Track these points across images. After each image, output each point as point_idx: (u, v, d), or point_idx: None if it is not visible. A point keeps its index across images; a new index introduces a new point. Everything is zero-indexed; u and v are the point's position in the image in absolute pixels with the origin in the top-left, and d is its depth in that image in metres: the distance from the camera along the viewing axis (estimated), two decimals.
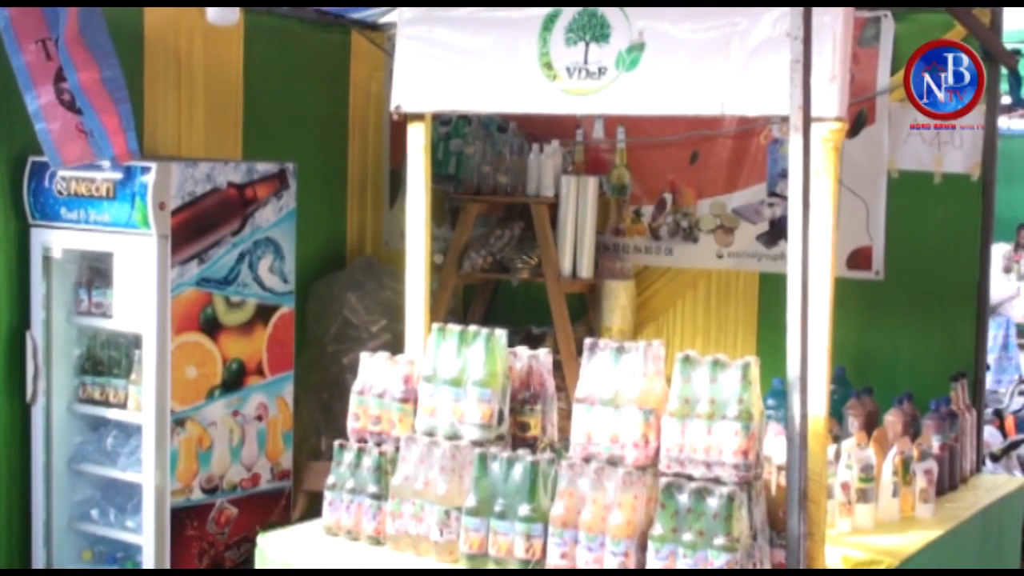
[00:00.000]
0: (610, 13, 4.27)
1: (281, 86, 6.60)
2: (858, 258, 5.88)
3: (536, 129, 6.67)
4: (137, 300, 5.49)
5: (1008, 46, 5.83)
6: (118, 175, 5.43)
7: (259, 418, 5.88)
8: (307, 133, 6.74)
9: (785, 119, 3.77)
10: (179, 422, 5.52)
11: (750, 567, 3.73)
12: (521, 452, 4.07)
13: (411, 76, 4.67)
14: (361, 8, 6.66)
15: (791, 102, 3.73)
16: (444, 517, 4.10)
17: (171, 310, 5.44)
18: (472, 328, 4.33)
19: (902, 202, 5.83)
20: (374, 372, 4.50)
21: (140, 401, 5.55)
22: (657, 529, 3.76)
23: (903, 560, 4.28)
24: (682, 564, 3.70)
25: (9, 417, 5.67)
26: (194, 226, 5.50)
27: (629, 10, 4.23)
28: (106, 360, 5.80)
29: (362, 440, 4.46)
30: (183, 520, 5.57)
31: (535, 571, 3.95)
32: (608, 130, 6.60)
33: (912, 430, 5.05)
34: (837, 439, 4.75)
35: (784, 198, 5.83)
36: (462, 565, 4.05)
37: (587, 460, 3.95)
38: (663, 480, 3.80)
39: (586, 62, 4.31)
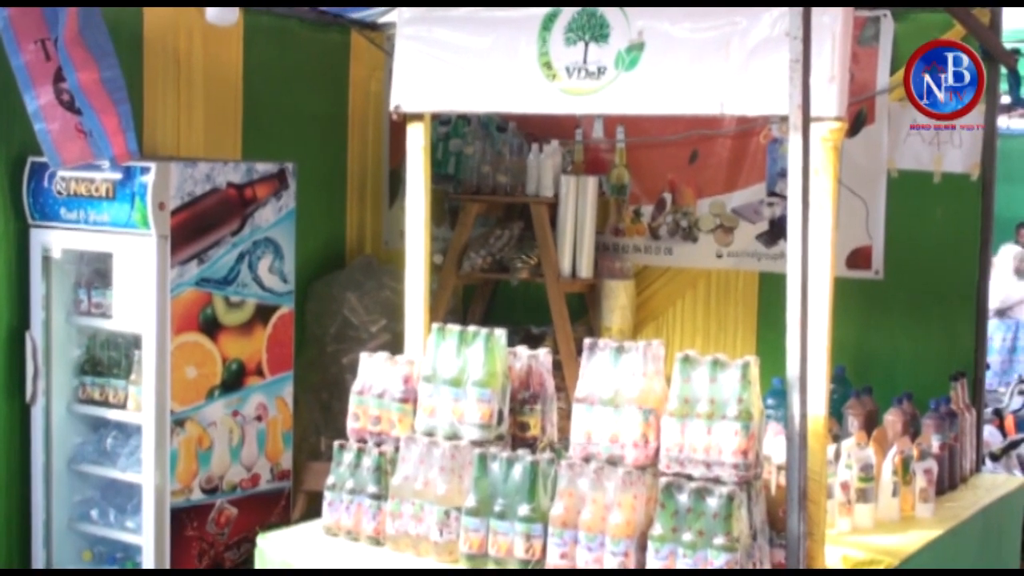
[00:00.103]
0: (609, 13, 4.27)
1: (280, 86, 6.59)
2: (858, 258, 5.88)
3: (535, 129, 6.67)
4: (137, 300, 5.49)
5: (1007, 45, 5.83)
6: (117, 175, 5.43)
7: (259, 418, 5.88)
8: (306, 133, 6.74)
9: (784, 119, 3.77)
10: (179, 422, 5.52)
11: (750, 567, 3.73)
12: (521, 452, 4.07)
13: (410, 76, 4.67)
14: (360, 8, 6.65)
15: (790, 102, 3.73)
16: (444, 517, 4.10)
17: (171, 310, 5.44)
18: (472, 328, 4.33)
19: (902, 202, 5.83)
20: (374, 372, 4.50)
21: (140, 401, 5.55)
22: (657, 529, 3.76)
23: (903, 560, 4.28)
24: (682, 564, 3.70)
25: (9, 418, 5.67)
26: (193, 226, 5.50)
27: (628, 10, 4.23)
28: (106, 360, 5.80)
29: (362, 440, 4.46)
30: (183, 520, 5.57)
31: (535, 571, 3.95)
32: (608, 130, 6.60)
33: (912, 430, 5.05)
34: (837, 439, 4.75)
35: (784, 198, 5.83)
36: (462, 565, 4.05)
37: (587, 460, 3.95)
38: (663, 480, 3.80)
39: (585, 62, 4.31)
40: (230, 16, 5.68)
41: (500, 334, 4.27)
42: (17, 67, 5.26)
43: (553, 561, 3.91)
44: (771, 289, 5.79)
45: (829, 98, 3.82)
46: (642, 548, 3.79)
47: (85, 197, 5.52)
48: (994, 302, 10.20)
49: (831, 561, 4.07)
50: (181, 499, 5.55)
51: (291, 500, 6.08)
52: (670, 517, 3.74)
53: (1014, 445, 7.26)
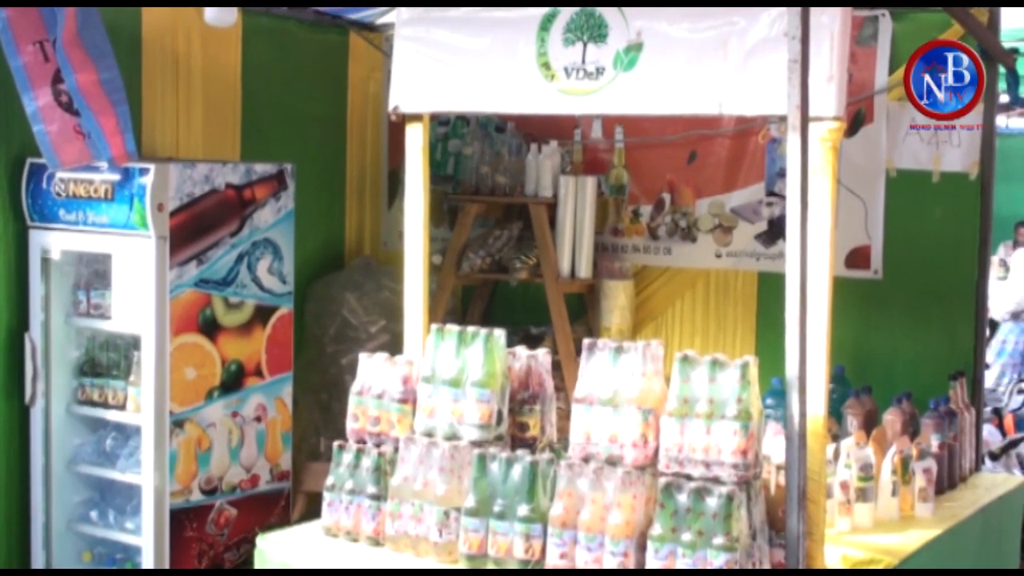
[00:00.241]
0: (608, 13, 4.27)
1: (279, 87, 6.59)
2: (857, 257, 5.88)
3: (534, 129, 6.67)
4: (136, 301, 5.49)
5: (1006, 45, 5.83)
6: (116, 176, 5.43)
7: (258, 419, 5.88)
8: (305, 134, 6.74)
9: (783, 119, 3.77)
10: (178, 423, 5.52)
11: (749, 567, 3.73)
12: (520, 452, 4.06)
13: (409, 77, 4.67)
14: (359, 9, 6.66)
15: (789, 102, 3.73)
16: (443, 518, 4.10)
17: (170, 311, 5.43)
18: (471, 328, 4.33)
19: (900, 201, 5.83)
20: (373, 373, 4.50)
21: (139, 402, 5.55)
22: (656, 529, 3.76)
23: (902, 559, 4.28)
24: (681, 564, 3.70)
25: (8, 419, 5.66)
26: (192, 227, 5.50)
27: (627, 10, 4.23)
28: (105, 361, 5.80)
29: (361, 441, 4.46)
30: (182, 521, 5.57)
31: (534, 571, 3.95)
32: (606, 130, 6.60)
33: (911, 429, 5.05)
34: (836, 438, 4.75)
35: (782, 197, 5.83)
36: (461, 565, 4.05)
37: (586, 460, 3.95)
38: (662, 480, 3.80)
39: (584, 62, 4.31)
40: (229, 17, 5.68)
41: (499, 334, 4.27)
42: (15, 68, 5.26)
43: (552, 561, 3.92)
44: (770, 289, 5.79)
45: (828, 98, 3.82)
46: (641, 548, 3.79)
47: (84, 198, 5.52)
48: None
49: (830, 561, 4.07)
50: (180, 500, 5.55)
51: (290, 501, 6.08)
52: (669, 517, 3.75)
53: (1013, 444, 7.25)
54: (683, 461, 3.81)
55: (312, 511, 5.14)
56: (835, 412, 5.03)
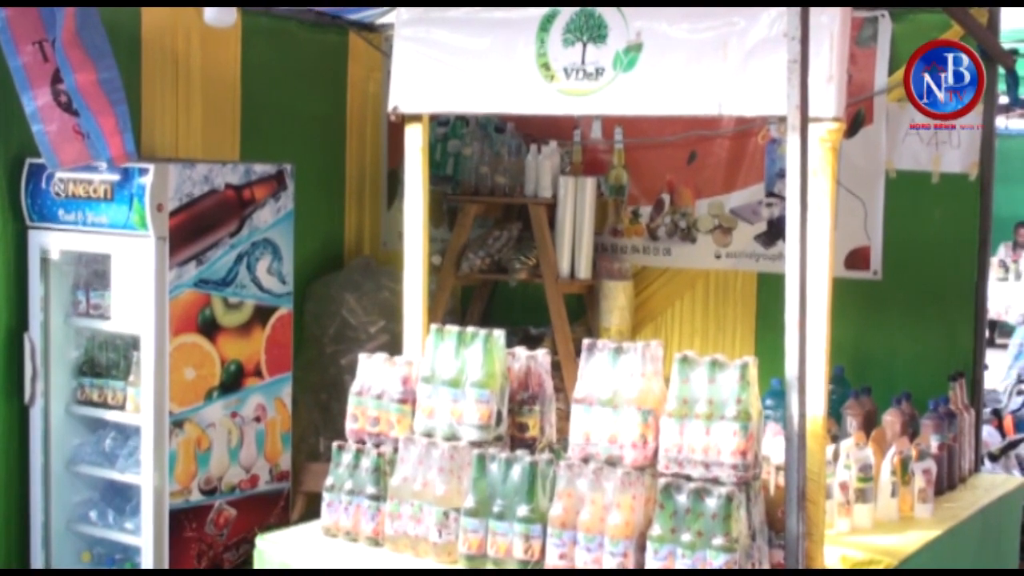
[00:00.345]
0: (607, 13, 4.27)
1: (278, 87, 6.59)
2: (856, 258, 5.88)
3: (534, 130, 6.67)
4: (135, 302, 5.49)
5: (1005, 45, 5.83)
6: (116, 177, 5.43)
7: (257, 419, 5.87)
8: (305, 134, 6.74)
9: (783, 119, 3.77)
10: (177, 423, 5.51)
11: (749, 567, 3.73)
12: (519, 453, 4.06)
13: (409, 77, 4.67)
14: (358, 9, 6.65)
15: (789, 102, 3.73)
16: (443, 518, 4.10)
17: (169, 311, 5.43)
18: (470, 329, 4.33)
19: (900, 202, 5.83)
20: (372, 373, 4.50)
21: (138, 403, 5.55)
22: (656, 529, 3.76)
23: (902, 560, 4.28)
24: (681, 564, 3.70)
25: (7, 419, 5.66)
26: (192, 227, 5.50)
27: (627, 10, 4.23)
28: (104, 362, 5.80)
29: (360, 441, 4.45)
30: (182, 521, 5.57)
31: (534, 571, 3.95)
32: (606, 130, 6.60)
33: (911, 430, 5.05)
34: (835, 439, 4.75)
35: (782, 198, 5.83)
36: (461, 566, 4.05)
37: (585, 461, 3.95)
38: (661, 480, 3.79)
39: (583, 63, 4.31)
40: (228, 17, 5.67)
41: (499, 335, 4.27)
42: (15, 68, 5.26)
43: (552, 562, 3.92)
44: (770, 290, 5.79)
45: (827, 99, 3.82)
46: (641, 549, 3.79)
47: (83, 198, 5.52)
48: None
49: (830, 561, 4.07)
50: (180, 500, 5.55)
51: (290, 501, 6.08)
52: (669, 518, 3.74)
53: (1013, 445, 7.25)
54: (682, 462, 3.81)
55: (311, 511, 5.14)
56: (834, 413, 5.03)
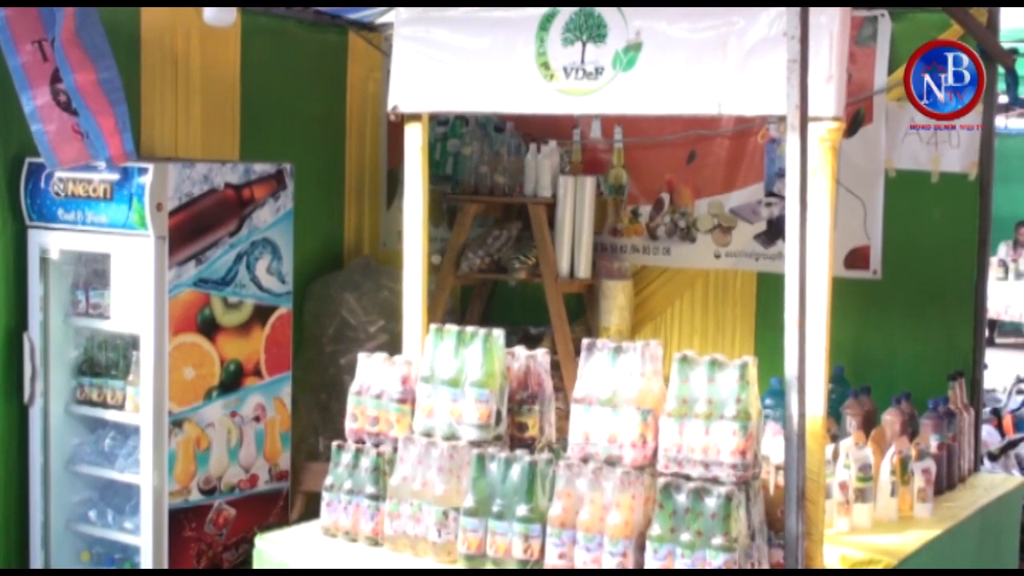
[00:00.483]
0: (607, 13, 4.27)
1: (278, 87, 6.59)
2: (856, 257, 5.88)
3: (533, 129, 6.66)
4: (134, 301, 5.49)
5: (1005, 45, 5.83)
6: (115, 176, 5.43)
7: (257, 419, 5.87)
8: (304, 134, 6.74)
9: (782, 119, 3.77)
10: (177, 423, 5.51)
11: (748, 567, 3.73)
12: (519, 452, 4.06)
13: (408, 76, 4.67)
14: (358, 8, 6.65)
15: (788, 102, 3.73)
16: (442, 518, 4.10)
17: (168, 311, 5.43)
18: (470, 328, 4.33)
19: (900, 201, 5.83)
20: (372, 373, 4.50)
21: (138, 402, 5.54)
22: (655, 529, 3.76)
23: (901, 560, 4.28)
24: (680, 564, 3.70)
25: (7, 419, 5.66)
26: (191, 227, 5.50)
27: (626, 10, 4.23)
28: (104, 361, 5.79)
29: (360, 441, 4.45)
30: (181, 521, 5.57)
31: (533, 571, 3.95)
32: (605, 130, 6.60)
33: (910, 429, 5.05)
34: (835, 439, 4.75)
35: (782, 198, 5.83)
36: (460, 565, 4.05)
37: (585, 460, 3.95)
38: (661, 480, 3.79)
39: (583, 62, 4.31)
40: (228, 17, 5.67)
41: (498, 334, 4.27)
42: (14, 68, 5.26)
43: (551, 561, 3.92)
44: (769, 289, 5.79)
45: (827, 98, 3.82)
46: (640, 548, 3.79)
47: (83, 198, 5.52)
48: None
49: (829, 561, 4.07)
50: (179, 500, 5.55)
51: (289, 501, 6.07)
52: (668, 517, 3.74)
53: (1012, 445, 7.25)
54: (682, 461, 3.81)
55: (311, 511, 5.14)
56: (834, 412, 5.03)
